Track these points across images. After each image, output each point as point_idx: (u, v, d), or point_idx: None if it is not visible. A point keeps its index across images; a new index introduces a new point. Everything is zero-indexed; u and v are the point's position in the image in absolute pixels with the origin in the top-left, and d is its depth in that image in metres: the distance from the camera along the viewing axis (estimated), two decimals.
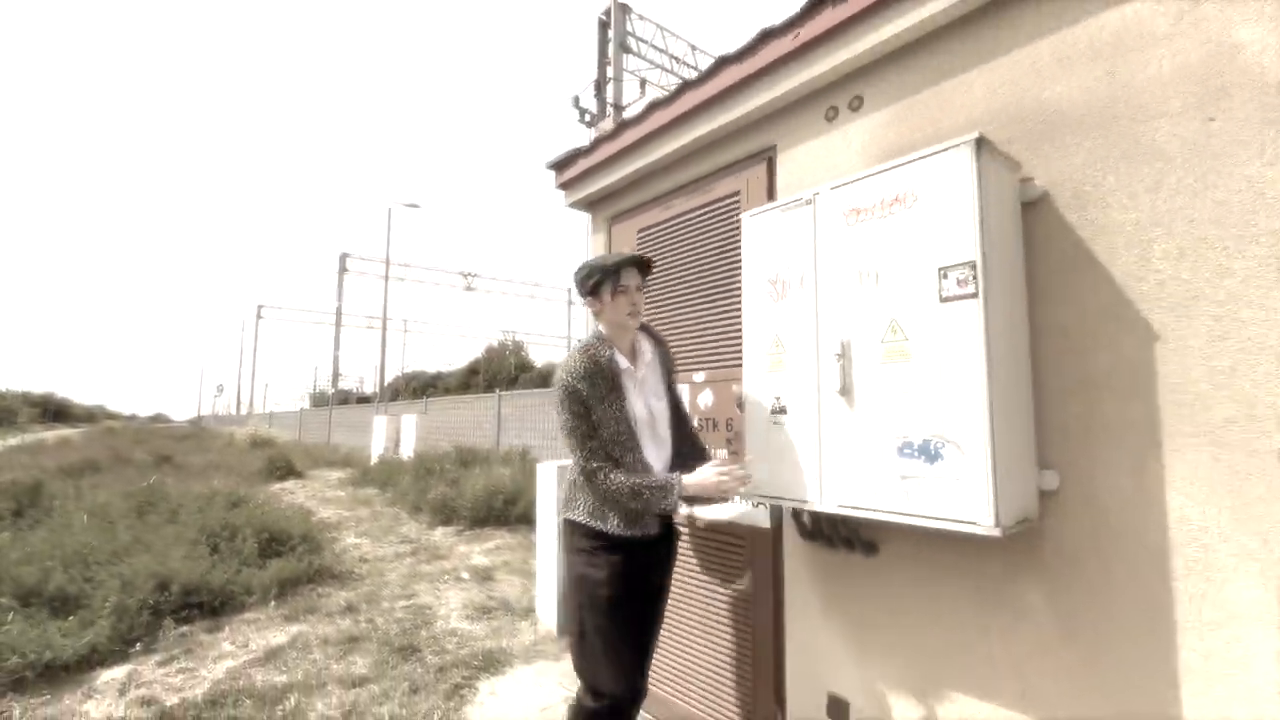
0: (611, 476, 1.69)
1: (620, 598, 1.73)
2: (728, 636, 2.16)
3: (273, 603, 4.03)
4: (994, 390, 1.28)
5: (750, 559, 2.10)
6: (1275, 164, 1.16)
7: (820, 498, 1.59)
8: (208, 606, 3.86)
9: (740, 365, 1.89)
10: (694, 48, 12.97)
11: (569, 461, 1.82)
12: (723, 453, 2.19)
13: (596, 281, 1.81)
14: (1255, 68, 1.19)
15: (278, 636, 3.51)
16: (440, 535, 6.55)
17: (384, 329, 23.32)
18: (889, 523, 1.50)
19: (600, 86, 11.68)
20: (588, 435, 1.73)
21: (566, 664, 3.18)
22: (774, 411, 1.72)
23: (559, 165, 3.04)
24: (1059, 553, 1.39)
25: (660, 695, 2.37)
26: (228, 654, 3.29)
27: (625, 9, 11.90)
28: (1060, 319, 1.42)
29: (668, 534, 1.88)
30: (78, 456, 11.14)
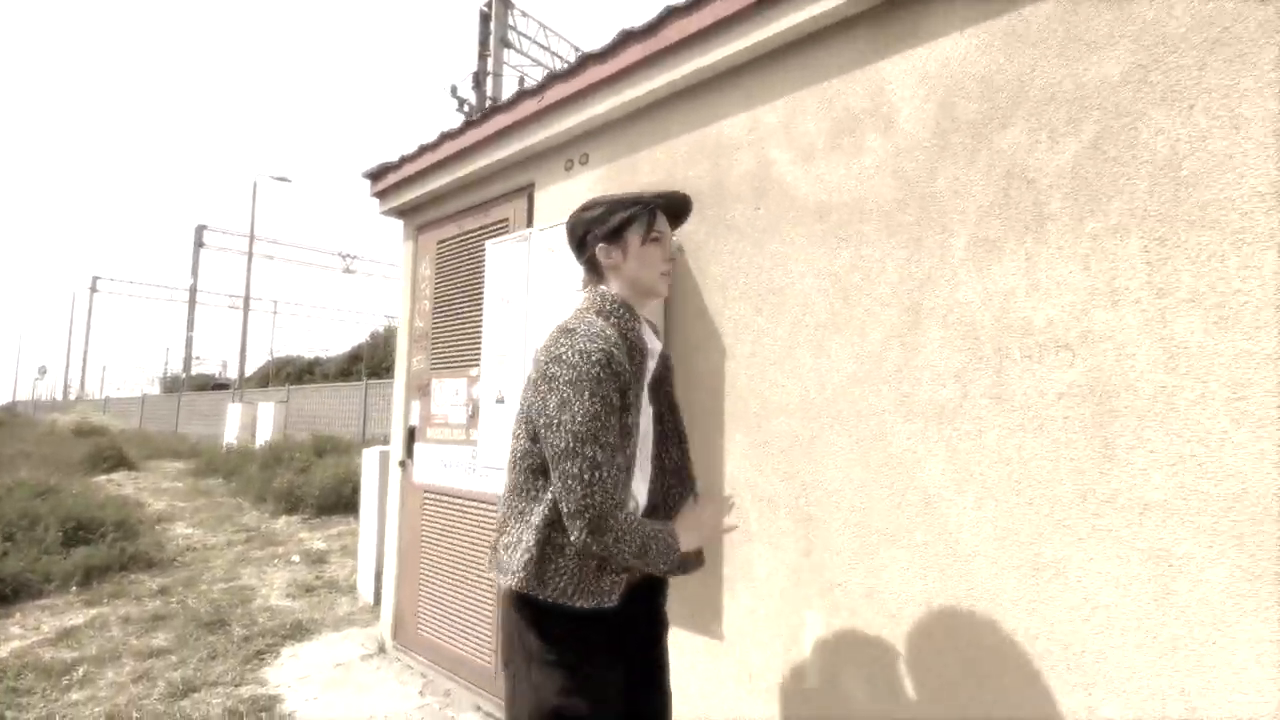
0: (627, 520, 1.10)
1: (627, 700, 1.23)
2: (482, 586, 2.62)
3: (74, 589, 3.99)
4: None
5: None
6: (786, 244, 1.77)
7: None
8: None
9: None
10: (576, 48, 13.31)
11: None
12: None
13: (625, 219, 1.26)
14: (779, 177, 1.79)
15: (74, 619, 3.53)
16: (282, 524, 6.52)
17: (245, 309, 21.67)
18: None
19: (480, 79, 11.73)
20: (617, 447, 1.12)
21: (373, 629, 3.51)
22: (497, 400, 2.18)
23: (373, 176, 3.33)
24: None
25: (432, 641, 2.79)
26: (15, 636, 3.29)
27: (507, 4, 12.02)
28: (686, 338, 1.99)
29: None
30: None
